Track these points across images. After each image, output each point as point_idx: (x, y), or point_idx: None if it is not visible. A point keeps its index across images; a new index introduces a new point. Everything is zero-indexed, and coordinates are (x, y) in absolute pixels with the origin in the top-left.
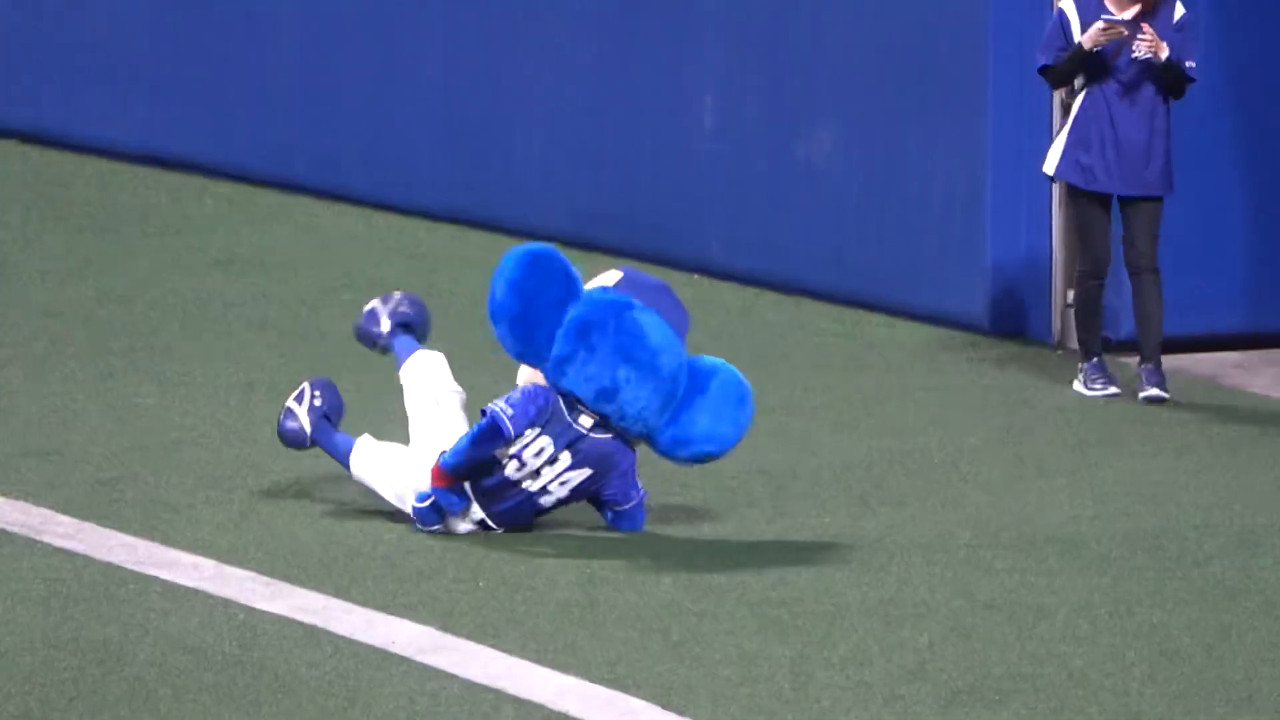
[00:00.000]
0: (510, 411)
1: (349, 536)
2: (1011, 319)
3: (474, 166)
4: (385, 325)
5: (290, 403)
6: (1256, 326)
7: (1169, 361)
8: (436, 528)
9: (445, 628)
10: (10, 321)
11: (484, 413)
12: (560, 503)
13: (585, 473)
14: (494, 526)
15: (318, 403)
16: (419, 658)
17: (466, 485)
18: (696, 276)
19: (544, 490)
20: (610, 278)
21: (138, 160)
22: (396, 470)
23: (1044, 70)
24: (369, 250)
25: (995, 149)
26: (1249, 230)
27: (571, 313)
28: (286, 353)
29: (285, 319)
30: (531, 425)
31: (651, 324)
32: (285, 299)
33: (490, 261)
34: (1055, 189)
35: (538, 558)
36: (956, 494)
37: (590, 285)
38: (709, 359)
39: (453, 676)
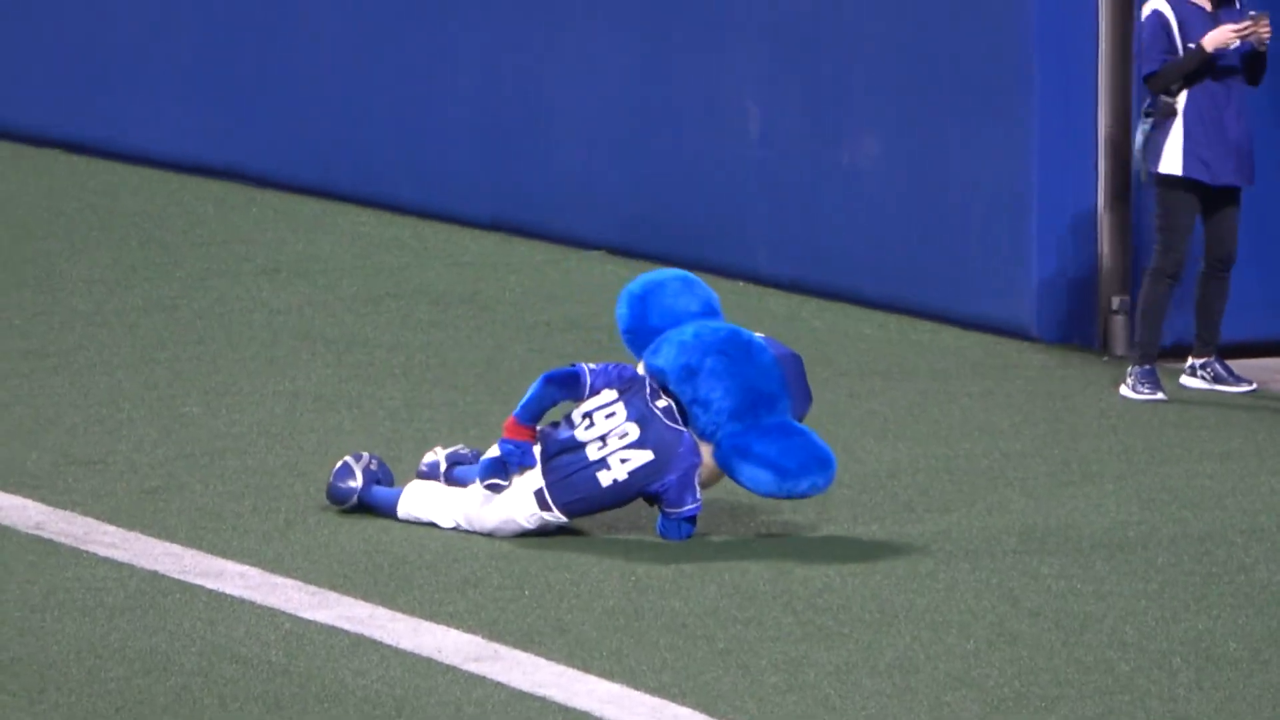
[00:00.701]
0: (593, 366)
1: (394, 545)
2: (1057, 325)
3: (518, 174)
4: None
5: (349, 458)
6: None
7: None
8: (497, 484)
9: (491, 636)
10: (56, 330)
11: (571, 365)
12: (617, 489)
13: (647, 456)
14: (550, 503)
15: (373, 467)
16: (465, 666)
17: (536, 450)
18: (742, 284)
19: (604, 463)
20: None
21: (184, 170)
22: (449, 497)
23: (1151, 77)
24: (414, 258)
25: (1041, 154)
26: None
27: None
28: (332, 361)
29: (331, 327)
30: (609, 386)
31: (761, 350)
32: (331, 307)
33: (535, 268)
34: (1100, 192)
35: (583, 565)
36: (1002, 500)
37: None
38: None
39: (499, 685)
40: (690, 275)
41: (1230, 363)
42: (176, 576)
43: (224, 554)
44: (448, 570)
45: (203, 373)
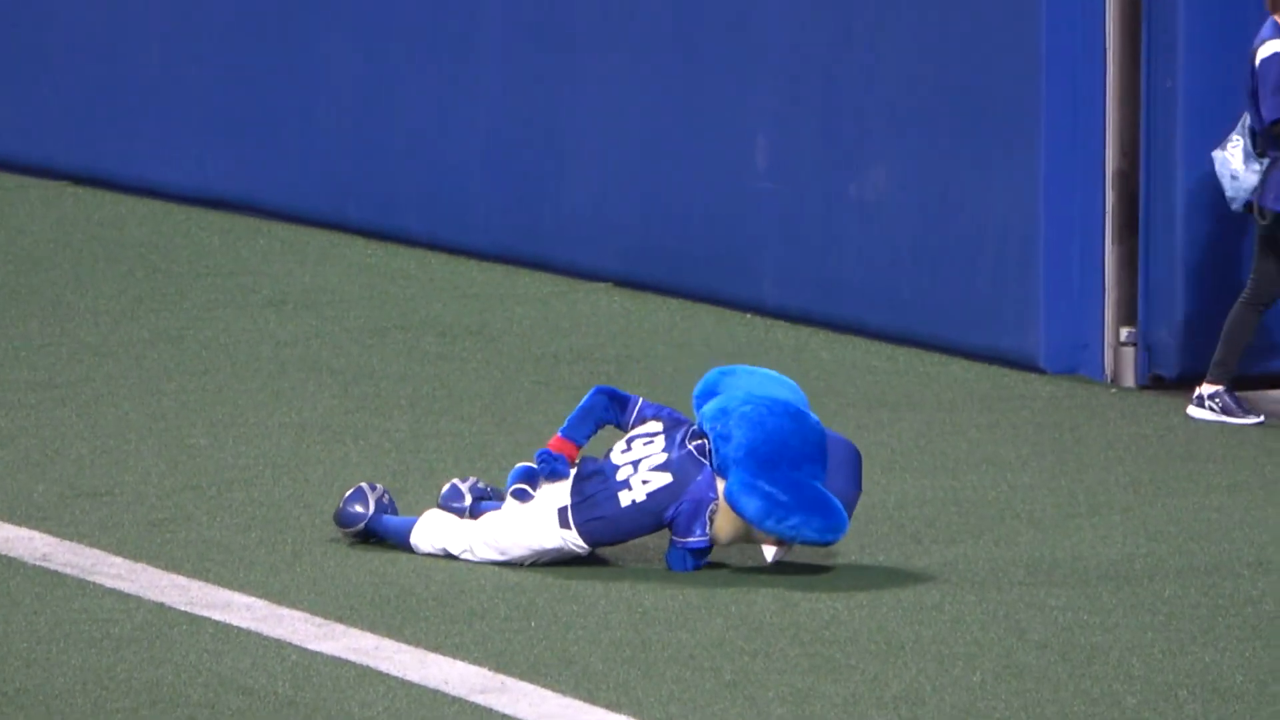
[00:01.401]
0: (644, 398)
1: (401, 576)
2: (1065, 357)
3: (526, 206)
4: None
5: (364, 485)
6: None
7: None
8: (523, 490)
9: (498, 667)
10: (63, 361)
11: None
12: (634, 510)
13: (666, 478)
14: (570, 522)
15: (385, 500)
16: (472, 698)
17: (572, 472)
18: (749, 316)
19: (626, 484)
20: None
21: (190, 201)
22: (466, 524)
23: (1277, 122)
24: (422, 290)
25: (1048, 187)
26: None
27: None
28: (339, 393)
29: (338, 359)
30: (656, 418)
31: (811, 421)
32: (337, 339)
33: (542, 300)
34: (1108, 225)
35: (589, 597)
36: (1009, 532)
37: None
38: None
39: (506, 716)
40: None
41: (1241, 395)
42: (183, 608)
43: (230, 585)
44: (454, 602)
45: (209, 404)
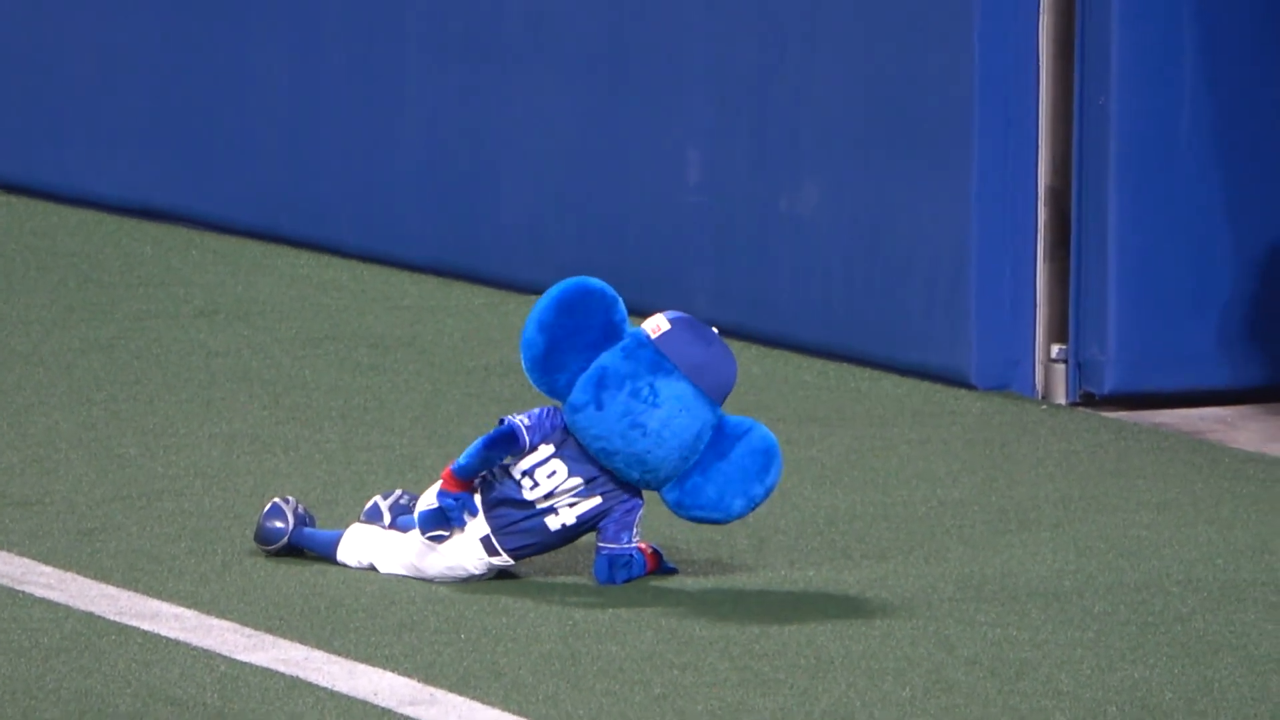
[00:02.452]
0: (527, 422)
1: (330, 588)
2: (996, 373)
3: (459, 218)
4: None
5: (278, 500)
6: (1238, 381)
7: (1145, 417)
8: (440, 535)
9: (427, 679)
10: None
11: (501, 421)
12: (566, 532)
13: (595, 501)
14: (498, 549)
15: (301, 510)
16: (402, 709)
17: (477, 498)
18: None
19: (552, 510)
20: (656, 326)
21: (123, 211)
22: (391, 543)
23: None
24: (353, 301)
25: (980, 203)
26: (1230, 282)
27: (598, 360)
28: (269, 404)
29: (268, 370)
30: (546, 440)
31: (671, 393)
32: (269, 350)
33: (474, 312)
34: (1040, 242)
35: (519, 610)
36: (940, 548)
37: (636, 328)
38: (742, 421)
39: None
40: (575, 290)
41: (1171, 413)
42: (112, 618)
43: (160, 595)
44: (384, 613)
45: (140, 414)
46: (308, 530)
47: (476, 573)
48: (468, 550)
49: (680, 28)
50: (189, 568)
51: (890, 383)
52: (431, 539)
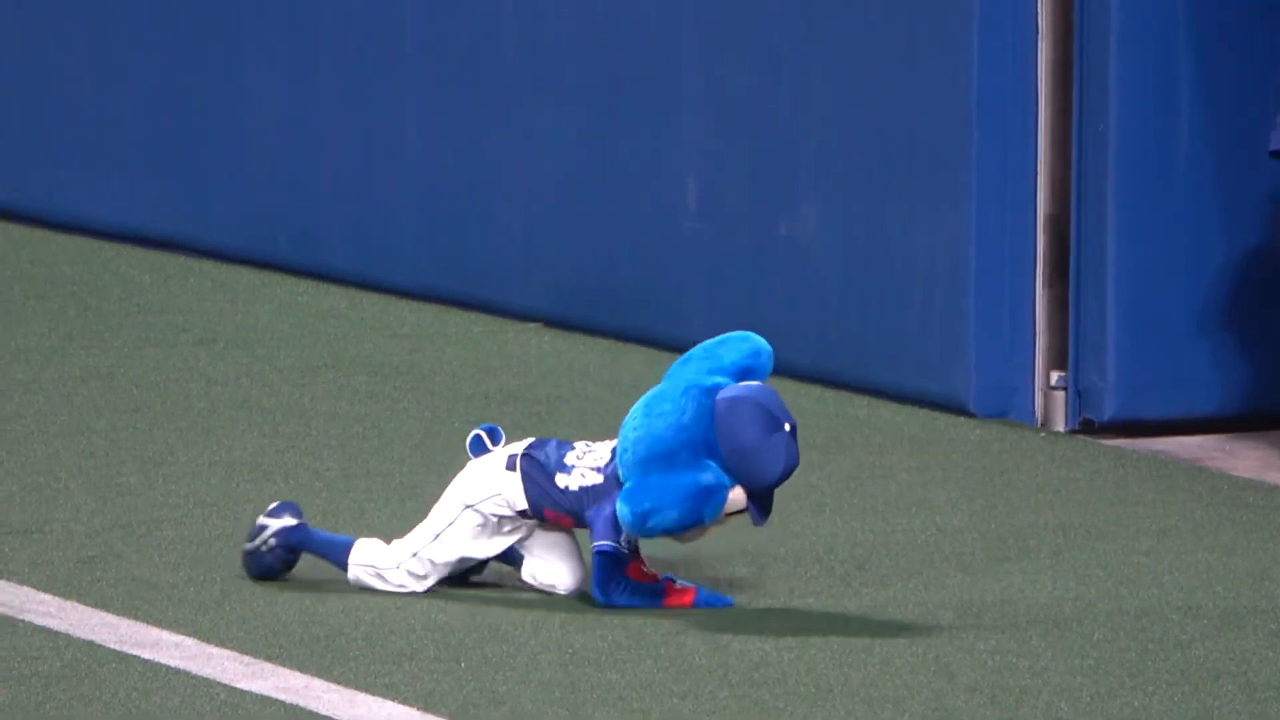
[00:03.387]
0: (612, 543)
1: (330, 616)
2: (995, 400)
3: (456, 244)
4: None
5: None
6: (1238, 408)
7: (1144, 444)
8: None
9: (427, 707)
10: None
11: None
12: (564, 495)
13: (597, 479)
14: (516, 467)
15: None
16: None
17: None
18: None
19: (569, 469)
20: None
21: (121, 238)
22: (396, 544)
23: (1278, 153)
24: (352, 328)
25: (979, 230)
26: (1229, 310)
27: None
28: (269, 431)
29: (267, 398)
30: (619, 534)
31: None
32: (268, 377)
33: (473, 340)
34: (1039, 269)
35: (519, 638)
36: (939, 575)
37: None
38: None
39: None
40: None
41: (1170, 440)
42: (113, 646)
43: (160, 624)
44: (384, 642)
45: (139, 442)
46: (314, 532)
47: (485, 511)
48: (492, 466)
49: (677, 52)
50: (189, 596)
51: (889, 410)
52: (473, 441)
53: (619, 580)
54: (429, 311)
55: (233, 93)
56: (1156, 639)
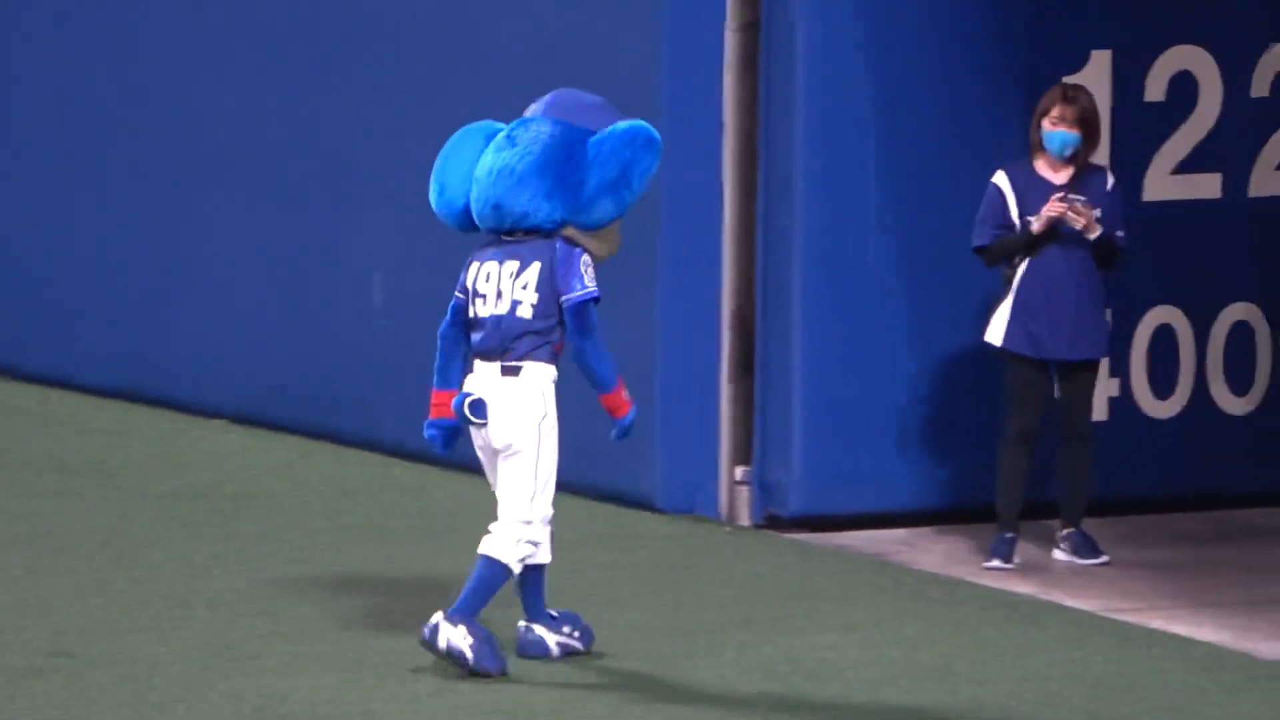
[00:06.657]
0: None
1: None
2: (681, 496)
3: (142, 344)
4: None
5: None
6: (921, 503)
7: (829, 539)
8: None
9: None
10: None
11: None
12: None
13: (537, 266)
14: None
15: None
16: None
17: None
18: (367, 454)
19: (515, 303)
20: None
21: None
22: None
23: (981, 250)
24: (41, 425)
25: (664, 325)
26: (917, 406)
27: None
28: None
29: None
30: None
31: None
32: None
33: (161, 437)
34: (724, 365)
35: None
36: (629, 670)
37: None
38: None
39: None
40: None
41: (852, 534)
42: None
43: None
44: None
45: None
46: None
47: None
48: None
49: (357, 148)
50: None
51: (577, 506)
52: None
53: (600, 340)
54: (116, 409)
55: None
56: None
